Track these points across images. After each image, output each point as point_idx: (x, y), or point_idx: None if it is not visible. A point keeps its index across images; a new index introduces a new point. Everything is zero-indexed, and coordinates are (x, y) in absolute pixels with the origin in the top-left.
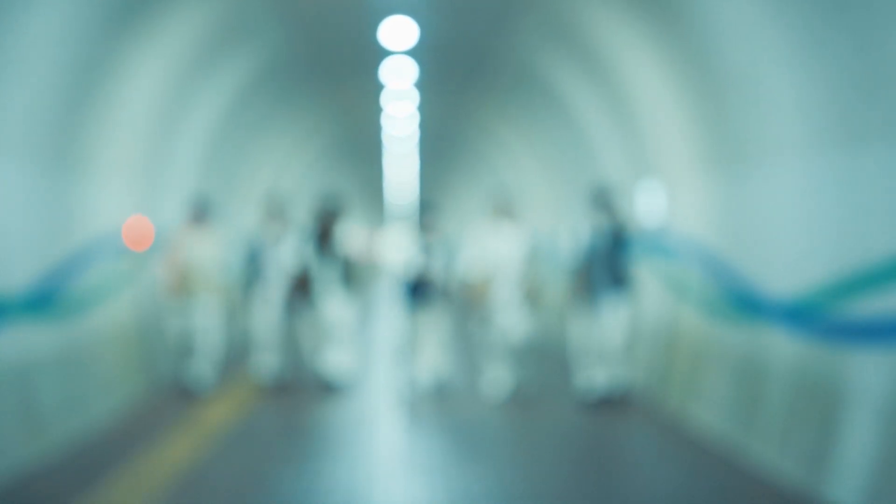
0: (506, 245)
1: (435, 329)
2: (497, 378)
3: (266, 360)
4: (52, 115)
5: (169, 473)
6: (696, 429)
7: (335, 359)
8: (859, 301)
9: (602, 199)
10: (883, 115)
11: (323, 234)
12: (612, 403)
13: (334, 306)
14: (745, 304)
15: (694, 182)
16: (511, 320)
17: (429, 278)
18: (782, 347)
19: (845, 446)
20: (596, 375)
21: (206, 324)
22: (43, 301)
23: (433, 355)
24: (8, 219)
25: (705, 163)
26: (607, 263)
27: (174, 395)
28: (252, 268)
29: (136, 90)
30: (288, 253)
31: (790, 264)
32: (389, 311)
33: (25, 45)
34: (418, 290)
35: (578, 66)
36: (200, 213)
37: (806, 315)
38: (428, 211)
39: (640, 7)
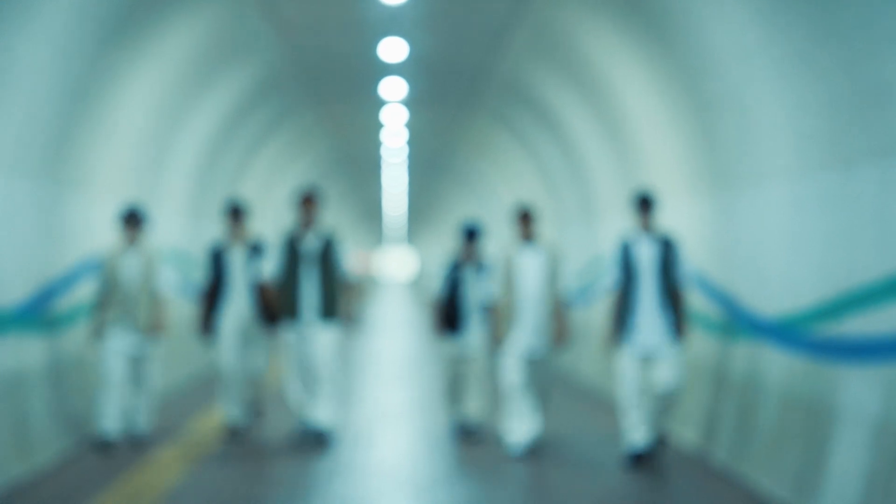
0: (533, 272)
1: (476, 365)
2: (517, 424)
3: (226, 402)
4: (46, 134)
5: None
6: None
7: (320, 407)
8: (848, 320)
9: (647, 206)
10: (871, 138)
11: (298, 237)
12: (649, 458)
13: (317, 339)
14: (736, 323)
15: (686, 202)
16: (538, 358)
17: (467, 309)
18: (774, 367)
19: (834, 462)
20: (639, 426)
21: (144, 356)
22: (35, 316)
23: (477, 395)
24: (3, 235)
25: (697, 184)
26: (653, 287)
27: (91, 452)
28: (213, 279)
29: (131, 107)
30: (249, 262)
31: (781, 285)
32: (390, 340)
33: (20, 64)
34: (455, 322)
35: (572, 86)
36: (134, 224)
37: (796, 335)
38: (471, 236)
39: (633, 28)
